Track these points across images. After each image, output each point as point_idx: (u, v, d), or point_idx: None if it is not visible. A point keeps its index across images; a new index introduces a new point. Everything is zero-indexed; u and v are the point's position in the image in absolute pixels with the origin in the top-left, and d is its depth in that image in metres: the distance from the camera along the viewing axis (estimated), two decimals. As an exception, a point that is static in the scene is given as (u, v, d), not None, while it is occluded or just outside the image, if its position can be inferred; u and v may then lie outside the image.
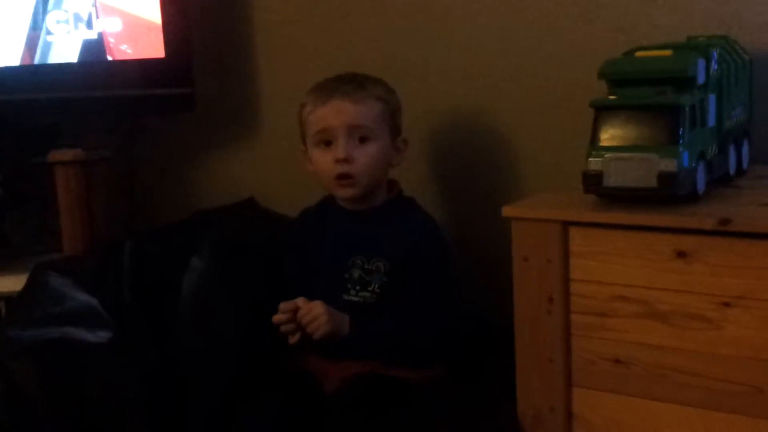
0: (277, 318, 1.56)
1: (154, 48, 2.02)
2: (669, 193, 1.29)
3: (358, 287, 1.62)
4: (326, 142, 1.63)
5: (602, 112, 1.36)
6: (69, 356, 1.54)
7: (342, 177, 1.62)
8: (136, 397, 1.58)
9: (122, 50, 2.03)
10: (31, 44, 2.03)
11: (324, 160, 1.63)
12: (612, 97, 1.37)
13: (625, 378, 1.34)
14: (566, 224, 1.36)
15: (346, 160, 1.61)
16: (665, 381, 1.31)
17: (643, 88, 1.34)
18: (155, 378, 1.64)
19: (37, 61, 2.03)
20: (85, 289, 1.72)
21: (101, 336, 1.59)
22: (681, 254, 1.28)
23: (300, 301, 1.56)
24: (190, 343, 1.70)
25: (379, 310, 1.60)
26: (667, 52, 1.38)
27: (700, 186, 1.34)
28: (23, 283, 1.80)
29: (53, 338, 1.54)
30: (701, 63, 1.35)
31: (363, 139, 1.62)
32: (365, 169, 1.62)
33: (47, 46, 2.03)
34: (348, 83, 1.63)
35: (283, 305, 1.56)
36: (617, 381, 1.35)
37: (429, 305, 1.59)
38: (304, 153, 1.70)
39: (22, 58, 2.03)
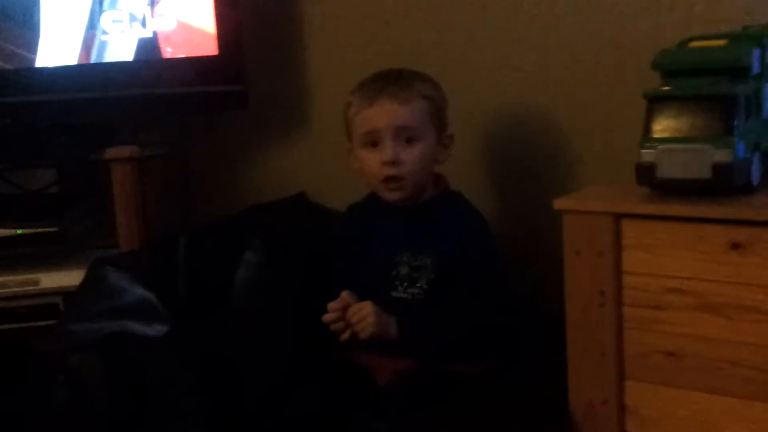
0: (327, 317, 1.56)
1: (207, 46, 2.04)
2: (723, 184, 1.28)
3: (405, 284, 1.62)
4: (373, 143, 1.62)
5: (655, 103, 1.34)
6: (128, 349, 1.56)
7: (389, 179, 1.62)
8: (192, 389, 1.60)
9: (176, 48, 2.06)
10: (88, 44, 2.07)
11: (371, 162, 1.63)
12: (665, 87, 1.36)
13: (679, 371, 1.33)
14: (619, 216, 1.35)
15: (394, 163, 1.60)
16: (719, 373, 1.30)
17: (697, 79, 1.33)
18: (211, 370, 1.66)
19: (93, 60, 2.07)
20: (142, 283, 1.75)
21: (158, 329, 1.61)
22: (735, 246, 1.26)
23: (348, 298, 1.56)
24: (243, 335, 1.72)
25: (427, 306, 1.60)
26: (722, 42, 1.36)
27: (755, 177, 1.32)
28: (81, 278, 1.84)
29: (113, 332, 1.57)
30: (756, 53, 1.34)
31: (410, 140, 1.61)
32: (412, 171, 1.61)
33: (103, 45, 2.07)
34: (394, 83, 1.62)
35: (332, 304, 1.57)
36: (670, 374, 1.34)
37: (477, 302, 1.59)
38: (350, 151, 1.70)
39: (79, 58, 2.07)
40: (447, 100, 1.68)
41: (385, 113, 1.60)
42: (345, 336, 1.56)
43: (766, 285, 1.24)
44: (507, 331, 1.64)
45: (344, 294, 1.57)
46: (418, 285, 1.61)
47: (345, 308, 1.56)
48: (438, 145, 1.65)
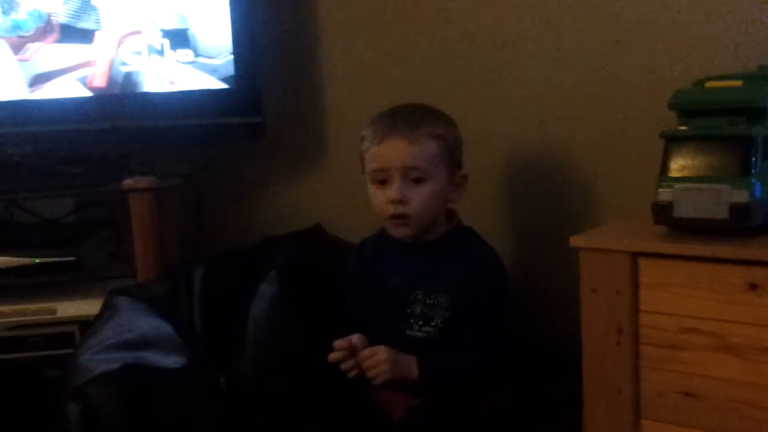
0: (332, 357, 1.56)
1: (225, 77, 2.07)
2: (741, 224, 1.29)
3: (420, 322, 1.62)
4: (381, 180, 1.62)
5: (672, 142, 1.36)
6: (145, 380, 1.57)
7: (396, 217, 1.62)
8: (207, 421, 1.60)
9: (193, 79, 2.08)
10: (107, 74, 2.09)
11: (379, 199, 1.63)
12: (682, 127, 1.37)
13: (696, 411, 1.33)
14: (635, 255, 1.36)
15: (401, 202, 1.60)
16: (737, 415, 1.29)
17: (714, 119, 1.34)
18: (224, 402, 1.67)
19: (112, 91, 2.09)
20: (159, 314, 1.77)
21: (175, 361, 1.62)
22: (753, 286, 1.27)
23: (357, 339, 1.56)
24: (258, 367, 1.73)
25: (443, 344, 1.60)
26: (738, 82, 1.37)
27: (772, 217, 1.33)
28: (97, 308, 1.85)
29: (129, 362, 1.57)
30: (773, 94, 1.34)
31: (418, 180, 1.60)
32: (419, 210, 1.60)
33: (121, 75, 2.09)
34: (405, 121, 1.60)
35: (338, 343, 1.56)
36: (687, 414, 1.34)
37: (494, 340, 1.58)
38: (366, 181, 1.70)
39: (98, 88, 2.09)
40: (462, 139, 1.67)
41: (394, 152, 1.60)
42: (353, 374, 1.56)
43: (783, 326, 1.25)
44: (521, 367, 1.64)
45: (354, 337, 1.57)
46: (432, 324, 1.61)
47: (351, 347, 1.56)
48: (449, 184, 1.64)
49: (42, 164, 2.09)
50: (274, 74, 2.17)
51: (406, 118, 1.61)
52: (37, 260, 2.00)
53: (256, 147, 2.15)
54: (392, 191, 1.60)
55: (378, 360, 1.53)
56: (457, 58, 1.97)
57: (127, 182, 2.01)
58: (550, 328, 1.73)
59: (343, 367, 1.56)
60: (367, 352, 1.55)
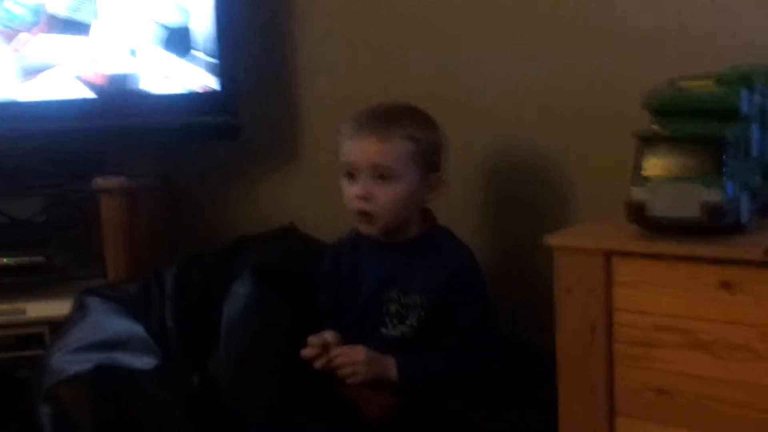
0: (305, 353, 1.57)
1: (200, 77, 2.05)
2: (713, 223, 1.29)
3: (395, 321, 1.62)
4: (350, 174, 1.63)
5: (646, 142, 1.36)
6: (116, 382, 1.55)
7: (361, 213, 1.63)
8: (179, 423, 1.59)
9: (168, 79, 2.06)
10: (80, 75, 2.07)
11: (347, 193, 1.64)
12: (655, 127, 1.37)
13: (669, 408, 1.34)
14: (609, 254, 1.37)
15: (365, 198, 1.61)
16: (709, 411, 1.30)
17: (688, 119, 1.35)
18: (198, 403, 1.66)
19: (85, 91, 2.07)
20: (130, 315, 1.75)
21: (147, 362, 1.60)
22: (725, 285, 1.28)
23: (331, 336, 1.58)
24: (231, 367, 1.72)
25: (418, 344, 1.60)
26: (711, 83, 1.38)
27: (745, 216, 1.34)
28: (67, 308, 1.83)
29: (100, 363, 1.55)
30: (745, 94, 1.35)
31: (385, 178, 1.60)
32: (385, 208, 1.61)
33: (95, 76, 2.07)
34: (380, 119, 1.62)
35: (312, 339, 1.58)
36: (661, 411, 1.34)
37: (474, 339, 1.59)
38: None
39: (71, 89, 2.07)
40: (442, 142, 1.67)
41: (363, 148, 1.61)
42: (318, 365, 1.57)
43: (755, 324, 1.26)
44: (497, 366, 1.65)
45: (328, 334, 1.58)
46: (407, 322, 1.61)
47: (325, 344, 1.57)
48: (422, 185, 1.63)
49: (12, 164, 2.07)
50: (249, 74, 2.16)
51: (382, 116, 1.63)
52: (6, 260, 1.99)
53: (231, 147, 2.14)
54: (358, 187, 1.61)
55: (354, 360, 1.54)
56: (434, 59, 1.97)
57: (98, 182, 1.99)
58: (525, 328, 1.73)
59: (316, 364, 1.56)
60: (342, 349, 1.56)
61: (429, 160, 1.64)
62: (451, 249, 1.66)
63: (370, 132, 1.61)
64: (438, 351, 1.59)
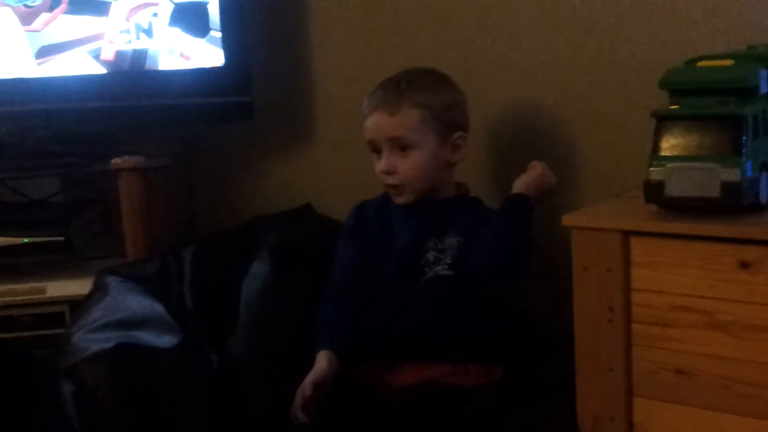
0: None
1: (214, 57, 2.05)
2: (732, 203, 1.29)
3: (432, 265, 1.63)
4: (376, 150, 1.67)
5: (664, 121, 1.35)
6: (137, 359, 1.57)
7: (390, 186, 1.66)
8: (198, 400, 1.61)
9: (183, 59, 2.06)
10: (94, 54, 2.08)
11: (376, 168, 1.67)
12: (674, 106, 1.37)
13: (687, 388, 1.34)
14: (627, 234, 1.36)
15: (389, 173, 1.64)
16: (728, 392, 1.31)
17: (705, 98, 1.34)
18: (216, 381, 1.67)
19: (99, 70, 2.07)
20: (150, 294, 1.76)
21: (167, 341, 1.62)
22: (744, 265, 1.27)
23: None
24: (250, 346, 1.73)
25: (454, 279, 1.61)
26: (729, 62, 1.37)
27: (763, 196, 1.33)
28: (87, 288, 1.84)
29: (121, 342, 1.57)
30: (763, 73, 1.35)
31: (405, 148, 1.63)
32: (411, 178, 1.64)
33: (110, 55, 2.07)
34: (387, 93, 1.64)
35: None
36: (679, 391, 1.35)
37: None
38: None
39: (86, 68, 2.07)
40: (459, 99, 1.67)
41: (376, 124, 1.64)
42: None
43: (774, 304, 1.26)
44: (514, 344, 1.65)
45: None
46: (442, 263, 1.62)
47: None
48: (443, 147, 1.65)
49: (30, 144, 2.08)
50: (263, 53, 2.16)
51: (390, 89, 1.65)
52: (26, 240, 2.00)
53: (246, 126, 2.14)
54: (381, 163, 1.64)
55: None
56: (448, 35, 1.96)
57: (116, 161, 2.00)
58: (542, 307, 1.74)
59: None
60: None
61: (446, 121, 1.65)
62: (483, 210, 1.68)
63: (380, 107, 1.64)
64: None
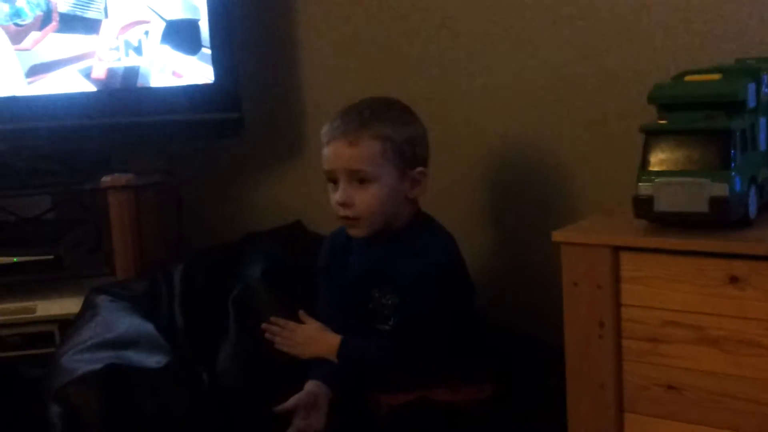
0: (264, 325, 1.65)
1: (206, 74, 2.05)
2: (721, 218, 1.29)
3: (381, 318, 1.63)
4: (333, 180, 1.62)
5: (652, 136, 1.35)
6: (126, 380, 1.55)
7: (345, 218, 1.62)
8: (188, 421, 1.59)
9: (175, 77, 2.06)
10: (84, 72, 2.07)
11: (331, 200, 1.63)
12: (662, 121, 1.37)
13: (678, 404, 1.33)
14: (617, 249, 1.36)
15: (346, 204, 1.60)
16: (719, 407, 1.30)
17: (694, 113, 1.34)
18: (207, 400, 1.66)
19: (89, 87, 2.07)
20: (139, 313, 1.76)
21: (157, 360, 1.61)
22: (734, 279, 1.27)
23: (302, 317, 1.65)
24: (239, 364, 1.73)
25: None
26: (717, 76, 1.38)
27: (752, 210, 1.33)
28: (77, 306, 1.84)
29: (112, 363, 1.56)
30: (752, 87, 1.35)
31: (363, 181, 1.59)
32: (366, 211, 1.60)
33: (99, 73, 2.07)
34: (349, 122, 1.59)
35: (275, 318, 1.66)
36: (670, 407, 1.34)
37: (424, 330, 1.58)
38: None
39: (75, 85, 2.07)
40: (420, 134, 1.64)
41: (335, 154, 1.60)
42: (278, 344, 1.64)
43: (764, 318, 1.25)
44: (503, 360, 1.65)
45: (300, 313, 1.64)
46: (390, 322, 1.62)
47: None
48: (402, 182, 1.61)
49: (19, 162, 2.07)
50: (252, 70, 2.16)
51: (351, 119, 1.60)
52: (16, 259, 1.99)
53: (236, 143, 2.14)
54: (338, 194, 1.60)
55: (289, 336, 1.65)
56: (437, 51, 1.97)
57: (105, 180, 2.00)
58: (532, 323, 1.73)
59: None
60: (291, 324, 1.65)
61: (407, 155, 1.61)
62: (426, 243, 1.63)
63: (341, 137, 1.59)
64: (389, 340, 1.60)
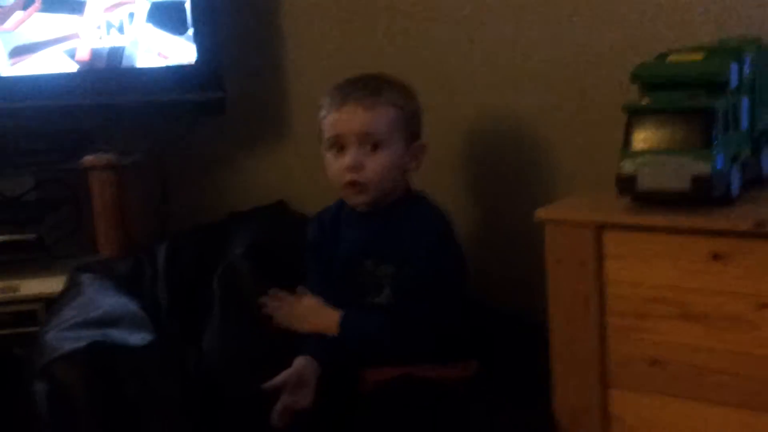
0: (261, 299, 1.63)
1: (185, 53, 2.05)
2: (703, 195, 1.31)
3: (373, 292, 1.63)
4: (339, 147, 1.62)
5: (635, 115, 1.37)
6: (110, 358, 1.55)
7: (352, 184, 1.62)
8: (173, 399, 1.60)
9: (160, 58, 2.05)
10: (66, 51, 2.06)
11: (335, 166, 1.63)
12: (645, 100, 1.38)
13: (662, 379, 1.35)
14: (600, 227, 1.38)
15: (356, 168, 1.60)
16: (702, 382, 1.32)
17: (676, 92, 1.36)
18: (192, 378, 1.67)
19: (70, 67, 2.06)
20: (123, 291, 1.75)
21: (141, 338, 1.61)
22: (716, 256, 1.29)
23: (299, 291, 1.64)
24: (224, 343, 1.73)
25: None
26: (700, 56, 1.39)
27: (734, 188, 1.35)
28: (60, 286, 1.84)
29: (95, 340, 1.56)
30: (734, 66, 1.36)
31: (375, 146, 1.60)
32: (375, 177, 1.60)
33: (80, 52, 2.06)
34: (363, 88, 1.61)
35: (274, 290, 1.64)
36: (654, 382, 1.36)
37: (424, 304, 1.58)
38: (323, 151, 1.69)
39: (57, 65, 2.06)
40: (420, 109, 1.67)
41: (351, 118, 1.60)
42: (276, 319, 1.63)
43: (746, 294, 1.27)
44: (489, 340, 1.66)
45: (299, 289, 1.63)
46: (383, 293, 1.62)
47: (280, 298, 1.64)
48: (406, 154, 1.64)
49: (2, 141, 2.06)
50: (235, 49, 2.15)
51: (364, 85, 1.62)
52: (-2, 239, 1.98)
53: (219, 123, 2.14)
54: (348, 158, 1.60)
55: (288, 309, 1.63)
56: (420, 28, 1.97)
57: (87, 159, 1.99)
58: (517, 300, 1.75)
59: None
60: (288, 297, 1.63)
61: (412, 127, 1.65)
62: (422, 215, 1.64)
63: (356, 101, 1.60)
64: (389, 314, 1.59)
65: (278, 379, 1.57)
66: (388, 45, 2.01)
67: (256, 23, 2.20)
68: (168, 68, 2.06)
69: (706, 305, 1.30)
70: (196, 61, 2.05)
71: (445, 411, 1.50)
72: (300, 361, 1.60)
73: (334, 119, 1.62)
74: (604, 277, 1.39)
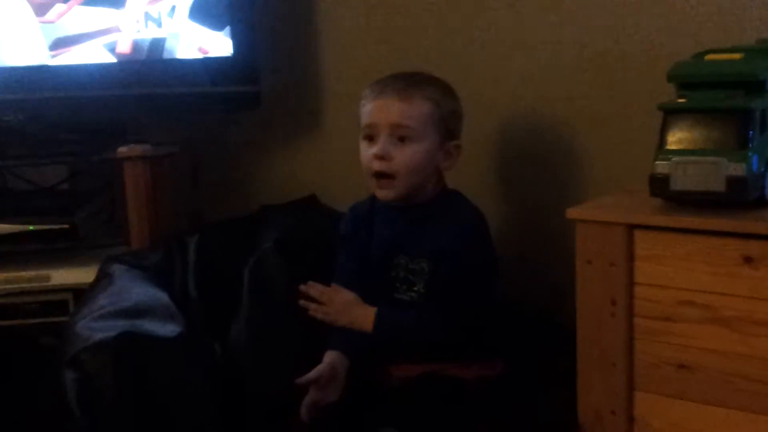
0: (302, 288, 1.60)
1: (222, 46, 2.05)
2: (737, 197, 1.29)
3: (405, 287, 1.63)
4: (370, 136, 1.63)
5: (671, 115, 1.35)
6: (139, 348, 1.56)
7: (379, 175, 1.62)
8: (201, 390, 1.60)
9: (191, 48, 2.06)
10: (104, 42, 2.07)
11: (365, 155, 1.63)
12: (681, 100, 1.36)
13: (689, 383, 1.34)
14: (631, 227, 1.36)
15: (383, 158, 1.60)
16: (730, 387, 1.30)
17: (713, 92, 1.34)
18: (219, 370, 1.67)
19: (108, 58, 2.07)
20: (154, 282, 1.76)
21: (171, 329, 1.62)
22: (748, 260, 1.27)
23: (330, 287, 1.62)
24: (252, 336, 1.73)
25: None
26: (738, 56, 1.37)
27: (769, 191, 1.33)
28: (91, 276, 1.85)
29: (124, 330, 1.57)
30: (772, 66, 1.34)
31: (404, 139, 1.60)
32: (403, 169, 1.60)
33: (119, 44, 2.07)
34: (402, 80, 1.62)
35: (312, 283, 1.61)
36: (681, 386, 1.34)
37: (459, 301, 1.58)
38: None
39: (95, 56, 2.07)
40: (461, 110, 1.66)
41: (385, 108, 1.60)
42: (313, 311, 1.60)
43: (778, 299, 1.25)
44: (514, 339, 1.65)
45: (334, 284, 1.62)
46: (415, 288, 1.62)
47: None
48: (440, 151, 1.63)
49: (37, 131, 2.08)
50: (271, 43, 2.16)
51: (404, 78, 1.63)
52: (32, 227, 2.00)
53: (253, 117, 2.14)
54: (377, 147, 1.60)
55: (330, 299, 1.59)
56: (456, 26, 1.96)
57: (122, 150, 2.00)
58: (544, 300, 1.73)
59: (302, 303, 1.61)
60: (327, 290, 1.61)
61: (448, 126, 1.64)
62: (459, 212, 1.65)
63: (391, 92, 1.60)
64: (424, 309, 1.60)
65: (313, 373, 1.57)
66: (424, 43, 2.00)
67: (292, 18, 2.21)
68: (204, 60, 2.07)
69: (737, 310, 1.28)
70: (233, 55, 2.06)
71: (469, 408, 1.49)
72: (331, 356, 1.60)
73: (371, 108, 1.63)
74: (633, 278, 1.37)
